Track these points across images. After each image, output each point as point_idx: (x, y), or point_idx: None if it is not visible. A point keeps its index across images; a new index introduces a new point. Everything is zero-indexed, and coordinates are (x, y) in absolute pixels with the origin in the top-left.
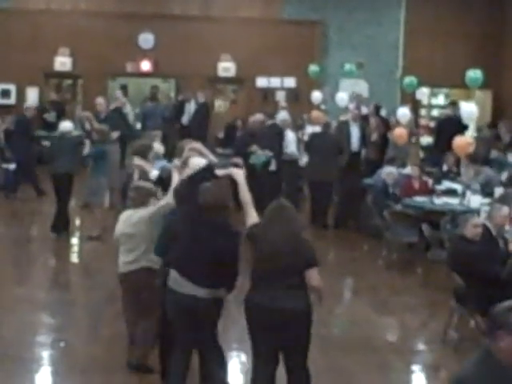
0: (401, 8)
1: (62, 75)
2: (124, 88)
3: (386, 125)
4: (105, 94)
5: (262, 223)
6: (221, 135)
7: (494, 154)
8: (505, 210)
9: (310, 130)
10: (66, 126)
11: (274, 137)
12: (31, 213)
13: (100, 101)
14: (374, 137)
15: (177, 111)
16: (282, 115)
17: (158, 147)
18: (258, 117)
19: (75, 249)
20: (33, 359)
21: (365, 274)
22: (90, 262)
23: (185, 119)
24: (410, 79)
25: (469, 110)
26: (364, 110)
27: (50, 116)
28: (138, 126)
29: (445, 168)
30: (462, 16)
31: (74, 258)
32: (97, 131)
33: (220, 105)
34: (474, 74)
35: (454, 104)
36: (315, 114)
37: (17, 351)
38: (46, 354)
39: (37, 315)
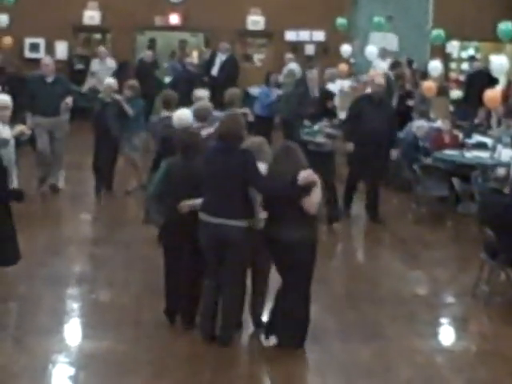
0: None
1: (91, 29)
2: (152, 42)
3: (422, 77)
4: (133, 48)
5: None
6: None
7: None
8: None
9: (339, 83)
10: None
11: None
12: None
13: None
14: (408, 87)
15: (207, 63)
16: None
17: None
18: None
19: (112, 203)
20: (65, 311)
21: (394, 228)
22: (124, 217)
23: (214, 70)
24: (438, 32)
25: (499, 63)
26: (386, 65)
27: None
28: (167, 79)
29: (476, 121)
30: None
31: (109, 212)
32: (130, 87)
33: (251, 57)
34: (506, 27)
35: (473, 59)
36: (342, 67)
37: (50, 303)
38: (76, 306)
39: (69, 268)
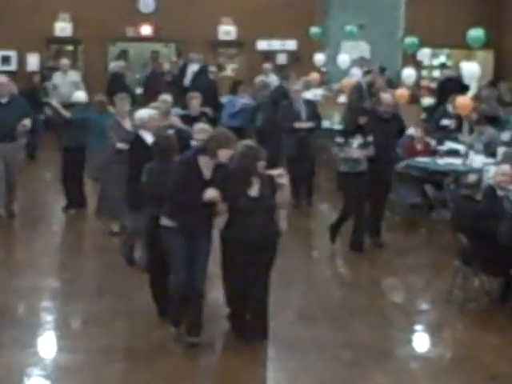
0: None
1: (63, 41)
2: (124, 53)
3: (390, 86)
4: (105, 59)
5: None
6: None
7: (497, 113)
8: (504, 167)
9: (312, 92)
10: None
11: None
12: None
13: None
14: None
15: (180, 73)
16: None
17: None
18: None
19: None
20: (39, 324)
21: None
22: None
23: (186, 81)
24: (411, 40)
25: (471, 69)
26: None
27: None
28: (139, 90)
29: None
30: None
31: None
32: (97, 103)
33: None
34: (476, 33)
35: (444, 66)
36: (314, 75)
37: (23, 316)
38: (51, 319)
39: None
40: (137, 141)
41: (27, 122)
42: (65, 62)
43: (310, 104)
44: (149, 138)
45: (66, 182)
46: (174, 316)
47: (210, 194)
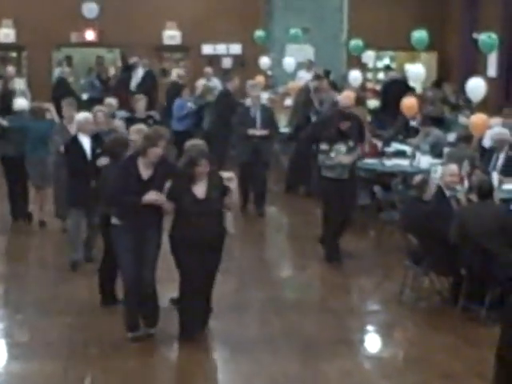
0: None
1: (6, 47)
2: (69, 58)
3: (335, 88)
4: (49, 65)
5: None
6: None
7: (442, 114)
8: (452, 167)
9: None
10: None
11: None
12: None
13: None
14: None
15: (126, 77)
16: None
17: None
18: None
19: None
20: None
21: (317, 238)
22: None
23: (132, 85)
24: (355, 42)
25: (416, 71)
26: (310, 75)
27: None
28: (84, 96)
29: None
30: None
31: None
32: (33, 110)
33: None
34: (420, 35)
35: (389, 68)
36: (259, 79)
37: None
38: (2, 327)
39: None
40: (72, 143)
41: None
42: (10, 69)
43: (267, 110)
44: (85, 140)
45: (10, 191)
46: (129, 319)
47: (149, 197)
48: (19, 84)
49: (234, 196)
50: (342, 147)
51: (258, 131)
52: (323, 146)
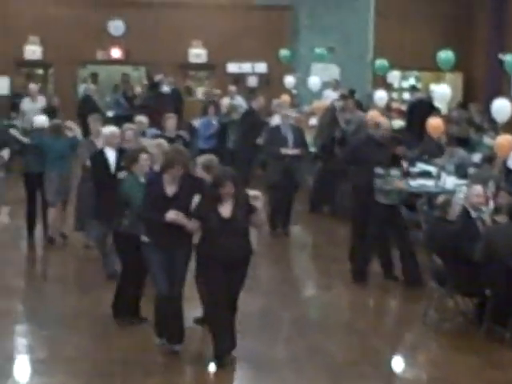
0: None
1: (33, 64)
2: (94, 76)
3: (360, 108)
4: (75, 82)
5: None
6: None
7: (467, 134)
8: (478, 188)
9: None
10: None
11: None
12: None
13: None
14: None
15: (152, 95)
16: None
17: None
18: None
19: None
20: (14, 347)
21: (342, 258)
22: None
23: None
24: (381, 62)
25: (442, 92)
26: (336, 95)
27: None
28: (110, 113)
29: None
30: None
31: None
32: (52, 127)
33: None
34: (446, 56)
35: (414, 88)
36: (284, 98)
37: None
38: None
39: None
40: (98, 156)
41: (5, 153)
42: (33, 87)
43: (298, 129)
44: (111, 154)
45: (29, 207)
46: (158, 327)
47: (170, 215)
48: (43, 102)
49: (261, 214)
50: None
51: (290, 150)
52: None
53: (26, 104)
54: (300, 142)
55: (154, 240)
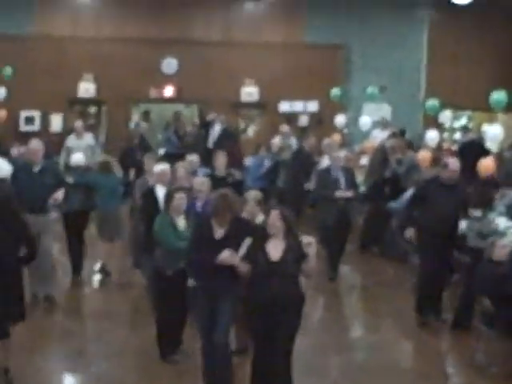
0: (423, 31)
1: (86, 101)
2: (146, 114)
3: (411, 148)
4: (128, 120)
5: None
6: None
7: None
8: None
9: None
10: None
11: None
12: None
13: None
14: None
15: (203, 134)
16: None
17: None
18: None
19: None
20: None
21: (391, 299)
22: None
23: (210, 142)
24: (432, 102)
25: (494, 133)
26: (385, 134)
27: None
28: (162, 151)
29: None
30: (485, 37)
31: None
32: (102, 164)
33: (245, 129)
34: (498, 96)
35: (466, 129)
36: (335, 137)
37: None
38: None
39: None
40: (148, 193)
41: (59, 194)
42: (78, 124)
43: (349, 171)
44: (161, 191)
45: (70, 247)
46: (205, 376)
47: (223, 256)
48: (89, 139)
49: (313, 262)
50: (493, 215)
51: (343, 193)
52: (475, 213)
53: (71, 141)
54: (351, 183)
55: (201, 284)
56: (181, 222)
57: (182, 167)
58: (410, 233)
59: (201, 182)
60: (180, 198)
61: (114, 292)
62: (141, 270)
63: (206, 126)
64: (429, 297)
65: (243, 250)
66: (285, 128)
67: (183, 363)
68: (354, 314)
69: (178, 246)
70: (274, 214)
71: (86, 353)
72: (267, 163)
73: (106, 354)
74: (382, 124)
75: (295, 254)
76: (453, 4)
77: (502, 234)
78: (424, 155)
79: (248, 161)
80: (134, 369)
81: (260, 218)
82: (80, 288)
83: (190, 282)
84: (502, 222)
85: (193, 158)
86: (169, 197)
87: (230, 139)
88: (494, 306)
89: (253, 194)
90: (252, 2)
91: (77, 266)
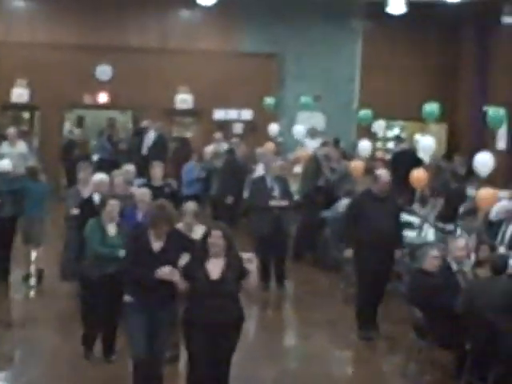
0: (357, 41)
1: (20, 107)
2: (81, 120)
3: (345, 157)
4: (62, 126)
5: None
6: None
7: (452, 186)
8: (460, 242)
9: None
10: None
11: None
12: None
13: None
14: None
15: (138, 141)
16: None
17: None
18: None
19: None
20: None
21: (323, 308)
22: None
23: (144, 149)
24: (365, 112)
25: (427, 143)
26: (316, 144)
27: None
28: (95, 157)
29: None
30: (418, 49)
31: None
32: (29, 170)
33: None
34: (431, 108)
35: (399, 139)
36: (269, 145)
37: None
38: None
39: None
40: (86, 203)
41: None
42: (11, 131)
43: (283, 180)
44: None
45: (2, 252)
46: None
47: (163, 272)
48: (22, 147)
49: (254, 279)
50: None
51: (278, 202)
52: (448, 227)
53: (4, 148)
54: (286, 192)
55: (137, 300)
56: (112, 229)
57: (119, 176)
58: (349, 253)
59: (142, 192)
60: (112, 205)
61: (43, 298)
62: (70, 279)
63: (140, 132)
64: (368, 311)
65: (181, 265)
66: (217, 135)
67: (116, 370)
68: (287, 323)
69: (102, 251)
70: (216, 234)
71: (16, 361)
72: (198, 171)
73: (37, 362)
74: (310, 133)
75: (235, 271)
76: (387, 15)
77: (433, 244)
78: (356, 165)
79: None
80: (66, 376)
81: (197, 230)
82: (8, 294)
83: (126, 298)
84: (432, 233)
85: (129, 168)
86: (102, 203)
87: (164, 146)
88: (425, 316)
89: (190, 207)
90: (188, 10)
91: (4, 272)
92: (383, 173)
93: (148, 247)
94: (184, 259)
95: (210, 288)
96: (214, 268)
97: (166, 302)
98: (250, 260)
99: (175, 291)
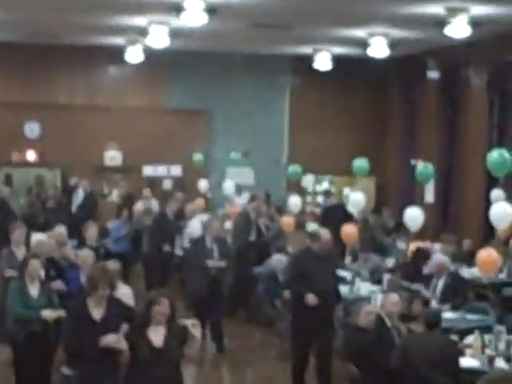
0: (285, 97)
1: None
2: (9, 177)
3: (280, 212)
4: None
5: None
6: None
7: (381, 239)
8: (394, 297)
9: (198, 218)
10: None
11: None
12: None
13: None
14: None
15: (66, 199)
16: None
17: None
18: None
19: None
20: None
21: (258, 364)
22: None
23: (73, 207)
24: (294, 167)
25: (356, 198)
26: (242, 200)
27: None
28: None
29: None
30: (346, 104)
31: None
32: None
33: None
34: (360, 164)
35: (328, 193)
36: (199, 202)
37: None
38: None
39: None
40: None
41: None
42: None
43: (222, 241)
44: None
45: None
46: None
47: (110, 339)
48: None
49: (197, 344)
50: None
51: (216, 263)
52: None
53: None
54: (224, 253)
55: (78, 372)
56: (34, 290)
57: (52, 237)
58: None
59: (86, 255)
60: (34, 264)
61: None
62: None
63: (68, 190)
64: (303, 369)
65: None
66: (146, 192)
67: None
68: (220, 380)
69: (23, 313)
70: (165, 303)
71: None
72: (127, 227)
73: None
74: (236, 190)
75: (178, 338)
76: (314, 70)
77: (367, 300)
78: (287, 221)
79: (110, 224)
80: None
81: (121, 290)
82: None
83: (66, 371)
84: (364, 287)
85: (61, 229)
86: (24, 263)
87: (94, 204)
88: (361, 371)
89: (113, 266)
90: (116, 67)
91: None
92: (324, 232)
93: (88, 316)
94: (124, 328)
95: (153, 356)
96: (157, 336)
97: (110, 373)
98: (195, 325)
99: (118, 360)
